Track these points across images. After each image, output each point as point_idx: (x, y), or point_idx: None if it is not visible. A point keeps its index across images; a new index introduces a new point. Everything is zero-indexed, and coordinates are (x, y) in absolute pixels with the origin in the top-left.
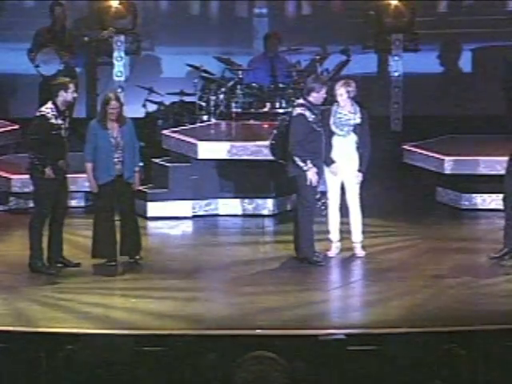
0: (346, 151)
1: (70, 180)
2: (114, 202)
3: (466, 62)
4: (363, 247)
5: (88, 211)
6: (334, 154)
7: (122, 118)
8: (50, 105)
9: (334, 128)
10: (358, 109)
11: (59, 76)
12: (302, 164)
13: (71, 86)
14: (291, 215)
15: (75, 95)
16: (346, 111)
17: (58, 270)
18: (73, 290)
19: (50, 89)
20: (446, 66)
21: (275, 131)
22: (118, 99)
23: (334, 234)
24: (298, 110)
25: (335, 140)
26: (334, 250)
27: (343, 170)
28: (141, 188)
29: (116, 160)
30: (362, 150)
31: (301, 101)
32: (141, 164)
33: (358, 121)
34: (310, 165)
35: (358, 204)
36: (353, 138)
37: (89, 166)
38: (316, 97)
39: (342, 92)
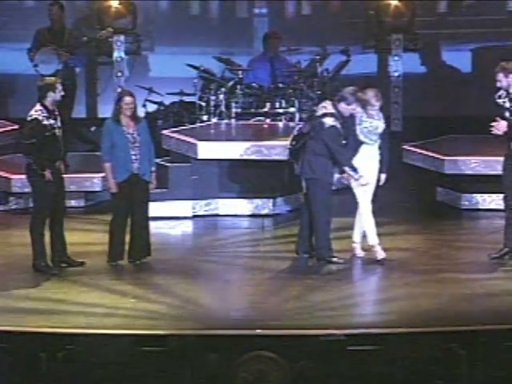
0: (372, 158)
1: (70, 180)
2: (129, 201)
3: (465, 62)
4: (364, 247)
5: (88, 211)
6: (361, 162)
7: (137, 117)
8: (38, 106)
9: (362, 137)
10: (381, 115)
11: (58, 76)
12: (352, 173)
13: (58, 85)
14: (296, 215)
15: (62, 93)
16: (372, 119)
17: (61, 270)
18: (73, 290)
19: (38, 90)
20: (446, 66)
21: (296, 133)
22: (132, 95)
23: (357, 236)
24: (331, 122)
25: (363, 148)
26: (358, 250)
27: (370, 174)
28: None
29: (133, 157)
30: (384, 152)
31: (331, 109)
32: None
33: (384, 126)
34: (360, 172)
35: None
36: (379, 143)
37: (107, 165)
38: (344, 108)
39: (374, 103)
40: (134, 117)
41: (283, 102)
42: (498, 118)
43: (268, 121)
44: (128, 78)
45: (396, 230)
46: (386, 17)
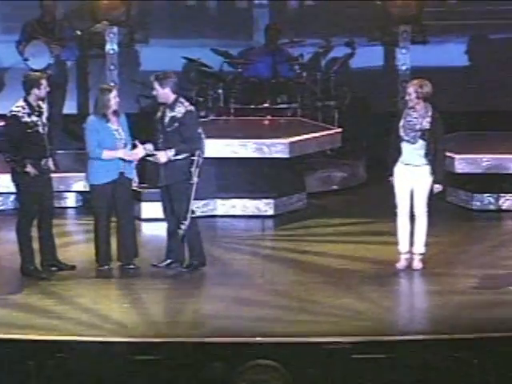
0: (412, 158)
1: (61, 180)
2: (111, 202)
3: (474, 55)
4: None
5: (80, 212)
6: (401, 160)
7: (118, 111)
8: (21, 103)
9: (401, 132)
10: (429, 113)
11: (49, 70)
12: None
13: (43, 81)
14: (297, 215)
15: (48, 89)
16: (417, 114)
17: (51, 274)
18: (64, 295)
19: (22, 86)
20: (455, 59)
21: None
22: (116, 89)
23: (403, 246)
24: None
25: (403, 145)
26: (403, 261)
27: (410, 178)
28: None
29: None
30: (430, 157)
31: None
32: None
33: (426, 126)
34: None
35: (424, 214)
36: (422, 144)
37: (105, 153)
38: (159, 92)
39: (410, 91)
40: (115, 112)
41: (285, 96)
42: None
43: (269, 117)
44: (121, 71)
45: None
46: (393, 7)
